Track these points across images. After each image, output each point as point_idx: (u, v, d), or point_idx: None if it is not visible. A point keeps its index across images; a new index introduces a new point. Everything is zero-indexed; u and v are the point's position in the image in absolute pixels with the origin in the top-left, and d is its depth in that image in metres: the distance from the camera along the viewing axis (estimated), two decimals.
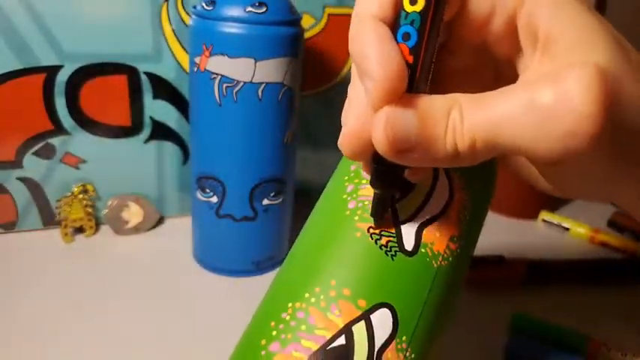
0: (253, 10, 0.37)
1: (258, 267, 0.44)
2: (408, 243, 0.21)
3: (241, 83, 0.38)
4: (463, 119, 0.17)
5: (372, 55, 0.17)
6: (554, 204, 0.60)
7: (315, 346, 0.19)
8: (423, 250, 0.21)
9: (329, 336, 0.19)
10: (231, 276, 0.44)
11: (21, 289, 0.41)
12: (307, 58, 0.50)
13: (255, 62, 0.37)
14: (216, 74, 0.38)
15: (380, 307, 0.20)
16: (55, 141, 0.46)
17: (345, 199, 0.23)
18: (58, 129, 0.46)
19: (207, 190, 0.42)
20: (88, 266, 0.44)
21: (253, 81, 0.38)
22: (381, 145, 0.17)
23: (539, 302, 0.43)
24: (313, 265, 0.21)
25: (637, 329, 0.41)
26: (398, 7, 0.17)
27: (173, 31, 0.46)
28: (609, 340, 0.37)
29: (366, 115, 0.19)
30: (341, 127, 0.22)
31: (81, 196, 0.47)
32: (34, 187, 0.47)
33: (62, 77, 0.44)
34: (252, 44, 0.37)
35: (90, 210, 0.47)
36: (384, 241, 0.21)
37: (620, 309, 0.43)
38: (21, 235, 0.48)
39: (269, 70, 0.38)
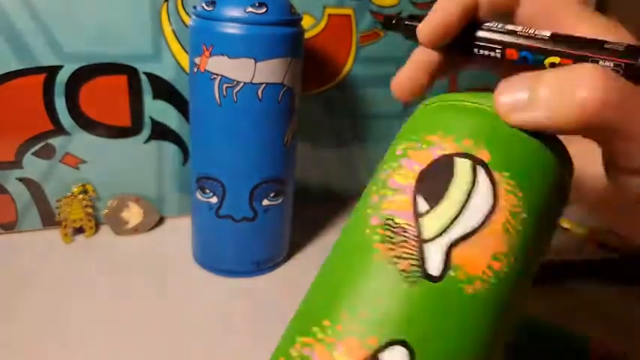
0: (253, 10, 0.37)
1: (258, 267, 0.44)
2: (434, 266, 0.18)
3: (241, 84, 0.38)
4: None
5: None
6: None
7: None
8: (452, 274, 0.18)
9: None
10: (231, 276, 0.44)
11: (21, 289, 0.41)
12: (307, 58, 0.50)
13: (256, 62, 0.37)
14: (217, 75, 0.38)
15: (393, 345, 0.17)
16: (54, 141, 0.46)
17: (368, 213, 0.20)
18: (58, 129, 0.46)
19: (207, 191, 0.42)
20: (87, 266, 0.44)
21: (253, 81, 0.38)
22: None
23: (539, 302, 0.43)
24: (325, 292, 0.19)
25: (637, 329, 0.41)
26: None
27: (173, 31, 0.46)
28: (609, 340, 0.37)
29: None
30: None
31: (81, 196, 0.47)
32: (33, 187, 0.47)
33: (62, 77, 0.44)
34: (253, 44, 0.37)
35: (90, 210, 0.47)
36: (404, 264, 0.18)
37: (621, 309, 0.43)
38: (21, 236, 0.48)
39: (269, 71, 0.38)
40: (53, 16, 0.42)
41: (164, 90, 0.48)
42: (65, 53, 0.44)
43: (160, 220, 0.52)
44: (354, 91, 0.54)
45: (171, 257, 0.46)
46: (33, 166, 0.46)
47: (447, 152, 0.19)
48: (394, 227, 0.18)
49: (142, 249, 0.47)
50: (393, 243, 0.18)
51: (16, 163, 0.46)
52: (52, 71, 0.44)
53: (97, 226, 0.49)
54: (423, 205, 0.19)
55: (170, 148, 0.50)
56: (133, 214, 0.49)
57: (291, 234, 0.47)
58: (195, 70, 0.39)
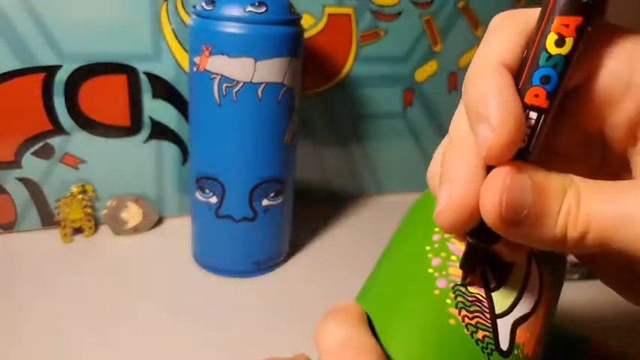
0: (253, 9, 0.36)
1: (258, 267, 0.44)
2: (504, 341, 0.18)
3: (241, 83, 0.38)
4: (580, 204, 0.15)
5: (493, 103, 0.15)
6: None
7: None
8: (515, 352, 0.18)
9: None
10: (231, 276, 0.44)
11: (20, 289, 0.40)
12: (307, 58, 0.50)
13: (255, 62, 0.37)
14: (216, 74, 0.38)
15: None
16: (54, 141, 0.46)
17: (431, 274, 0.19)
18: (57, 129, 0.46)
19: (207, 191, 0.42)
20: (87, 266, 0.44)
21: (253, 81, 0.37)
22: (491, 213, 0.15)
23: None
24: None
25: (638, 330, 0.41)
26: (523, 53, 0.17)
27: (173, 30, 0.46)
28: (610, 340, 0.37)
29: (476, 179, 0.16)
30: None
31: (80, 196, 0.47)
32: (33, 187, 0.47)
33: (61, 77, 0.44)
34: (252, 44, 0.37)
35: (89, 210, 0.47)
36: (480, 335, 0.18)
37: (621, 309, 0.43)
38: (20, 236, 0.47)
39: (269, 70, 0.38)
40: (52, 15, 0.42)
41: (164, 90, 0.48)
42: (64, 53, 0.44)
43: (160, 220, 0.51)
44: (354, 91, 0.54)
45: (171, 257, 0.46)
46: (32, 166, 0.46)
47: None
48: (468, 296, 0.18)
49: (142, 249, 0.47)
50: (469, 312, 0.18)
51: (16, 163, 0.45)
52: (52, 71, 0.44)
53: (97, 226, 0.49)
54: (492, 280, 0.19)
55: (170, 148, 0.50)
56: (133, 214, 0.49)
57: (291, 234, 0.47)
58: (195, 69, 0.39)
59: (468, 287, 0.19)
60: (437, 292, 0.19)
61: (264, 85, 0.38)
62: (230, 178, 0.41)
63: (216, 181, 0.41)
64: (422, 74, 0.57)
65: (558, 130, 0.18)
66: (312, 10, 0.50)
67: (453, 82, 0.59)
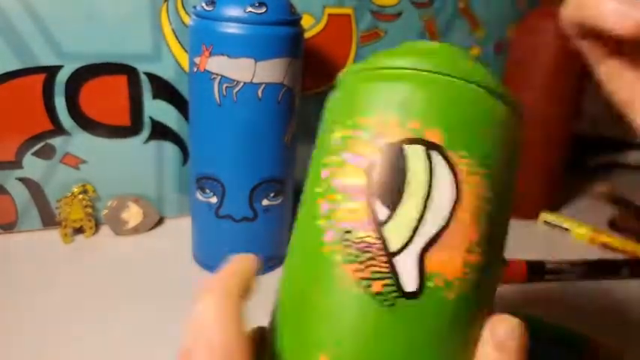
0: (253, 10, 0.37)
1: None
2: (410, 281, 0.16)
3: (241, 83, 0.38)
4: None
5: None
6: (555, 204, 0.60)
7: None
8: (430, 285, 0.16)
9: None
10: None
11: (20, 289, 0.41)
12: (307, 58, 0.50)
13: (255, 62, 0.37)
14: (216, 74, 0.38)
15: None
16: (54, 141, 0.46)
17: (319, 225, 0.17)
18: (58, 129, 0.46)
19: (207, 191, 0.42)
20: (87, 267, 0.44)
21: (253, 81, 0.38)
22: None
23: (540, 302, 0.43)
24: (297, 328, 0.17)
25: (637, 329, 0.41)
26: None
27: (173, 31, 0.46)
28: (609, 340, 0.37)
29: None
30: None
31: (81, 196, 0.47)
32: (33, 187, 0.47)
33: (62, 77, 0.44)
34: (252, 44, 0.37)
35: (90, 210, 0.47)
36: (377, 286, 0.15)
37: (620, 309, 0.43)
38: (21, 236, 0.47)
39: (269, 71, 0.38)
40: (53, 16, 0.42)
41: (164, 90, 0.48)
42: (65, 53, 0.44)
43: (160, 220, 0.52)
44: None
45: (171, 257, 0.46)
46: (33, 166, 0.46)
47: (394, 140, 0.16)
48: (357, 243, 0.16)
49: (142, 249, 0.47)
50: (360, 262, 0.16)
51: (16, 163, 0.46)
52: (52, 71, 0.44)
53: (97, 226, 0.49)
54: (382, 211, 0.16)
55: (170, 148, 0.50)
56: (133, 215, 0.49)
57: (290, 234, 0.47)
58: (195, 69, 0.39)
59: (356, 232, 0.16)
60: (325, 249, 0.16)
61: (264, 85, 0.38)
62: (230, 178, 0.41)
63: (216, 181, 0.41)
64: None
65: None
66: (312, 11, 0.50)
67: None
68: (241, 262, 0.18)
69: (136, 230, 0.49)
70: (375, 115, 0.17)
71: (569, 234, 0.55)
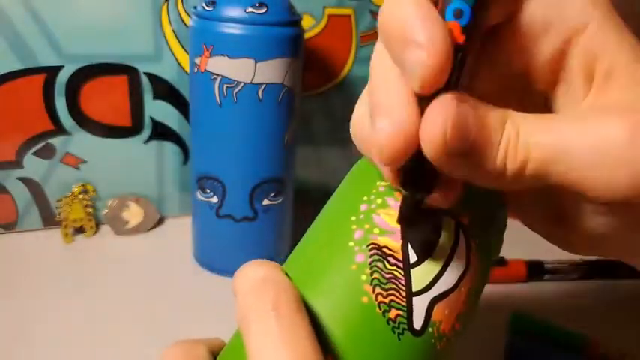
0: (253, 10, 0.37)
1: None
2: (418, 320, 0.18)
3: (241, 84, 0.38)
4: (519, 135, 0.15)
5: (419, 24, 0.14)
6: None
7: None
8: (430, 330, 0.18)
9: None
10: (231, 276, 0.44)
11: (21, 288, 0.41)
12: (307, 58, 0.50)
13: (256, 63, 0.37)
14: (217, 75, 0.38)
15: None
16: (55, 141, 0.46)
17: (351, 248, 0.19)
18: (59, 129, 0.46)
19: (208, 191, 0.42)
20: (88, 266, 0.44)
21: (253, 82, 0.38)
22: (434, 144, 0.14)
23: (540, 302, 0.43)
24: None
25: (636, 329, 0.41)
26: None
27: (173, 31, 0.46)
28: (609, 340, 0.37)
29: (413, 110, 0.15)
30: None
31: (81, 196, 0.47)
32: (34, 187, 0.47)
33: (62, 77, 0.44)
34: (253, 45, 0.37)
35: (90, 210, 0.47)
36: (392, 314, 0.18)
37: (620, 309, 0.43)
38: (21, 235, 0.48)
39: (269, 71, 0.38)
40: (53, 16, 0.42)
41: (164, 90, 0.48)
42: (66, 53, 0.44)
43: (160, 220, 0.52)
44: (354, 91, 0.55)
45: (171, 257, 0.46)
46: (33, 166, 0.46)
47: None
48: (385, 272, 0.18)
49: (142, 249, 0.47)
50: (384, 289, 0.18)
51: (17, 163, 0.46)
52: (53, 71, 0.44)
53: (98, 226, 0.49)
54: (413, 256, 0.18)
55: (170, 148, 0.50)
56: (133, 214, 0.49)
57: (291, 234, 0.47)
58: (196, 70, 0.39)
59: (387, 263, 0.18)
60: (354, 266, 0.18)
61: (264, 85, 0.38)
62: (231, 178, 0.41)
63: (216, 181, 0.41)
64: None
65: (477, 72, 0.18)
66: (313, 11, 0.50)
67: None
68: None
69: (137, 230, 0.49)
70: None
71: None
